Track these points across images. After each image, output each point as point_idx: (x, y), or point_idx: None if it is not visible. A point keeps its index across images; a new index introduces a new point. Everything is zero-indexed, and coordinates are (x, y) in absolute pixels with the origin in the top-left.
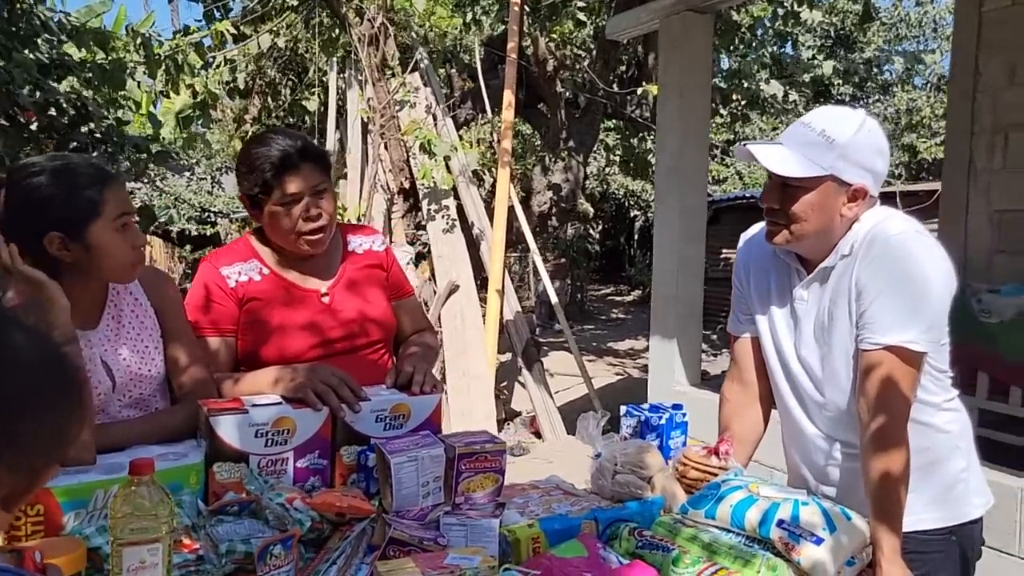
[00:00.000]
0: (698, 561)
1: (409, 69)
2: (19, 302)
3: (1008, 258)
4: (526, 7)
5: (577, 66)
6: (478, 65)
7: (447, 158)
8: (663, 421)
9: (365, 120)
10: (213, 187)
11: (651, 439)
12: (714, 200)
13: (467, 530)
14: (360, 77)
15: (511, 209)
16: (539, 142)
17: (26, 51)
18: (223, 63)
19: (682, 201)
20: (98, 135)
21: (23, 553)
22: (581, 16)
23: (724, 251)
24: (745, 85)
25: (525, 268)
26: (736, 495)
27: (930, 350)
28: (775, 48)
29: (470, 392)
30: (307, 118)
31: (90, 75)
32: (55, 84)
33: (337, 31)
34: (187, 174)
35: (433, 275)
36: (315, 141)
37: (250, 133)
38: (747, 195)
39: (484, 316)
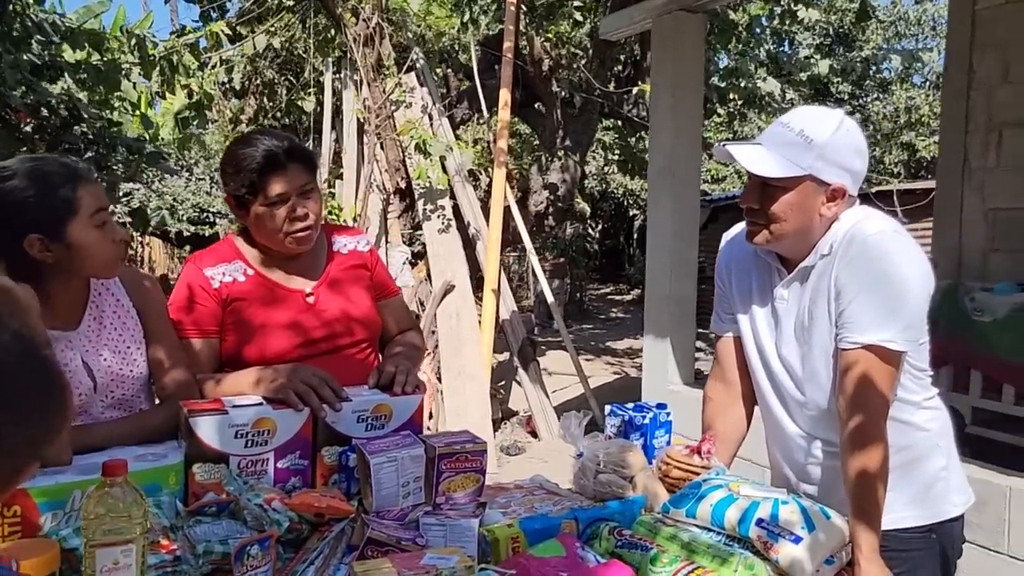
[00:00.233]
0: (676, 560)
1: (405, 69)
2: None
3: (1002, 256)
4: (523, 7)
5: (574, 65)
6: (474, 65)
7: (443, 158)
8: (647, 420)
9: (361, 120)
10: (212, 187)
11: (635, 438)
12: (712, 199)
13: (446, 530)
14: (356, 77)
15: (507, 209)
16: (537, 142)
17: (18, 53)
18: (219, 64)
19: (675, 200)
20: (90, 136)
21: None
22: (578, 16)
23: None
24: (742, 84)
25: (524, 268)
26: (716, 494)
27: (909, 349)
28: (772, 47)
29: (465, 392)
30: (303, 118)
31: (85, 76)
32: (47, 86)
33: (333, 31)
34: (186, 175)
35: (429, 275)
36: (311, 141)
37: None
38: None
39: (480, 316)
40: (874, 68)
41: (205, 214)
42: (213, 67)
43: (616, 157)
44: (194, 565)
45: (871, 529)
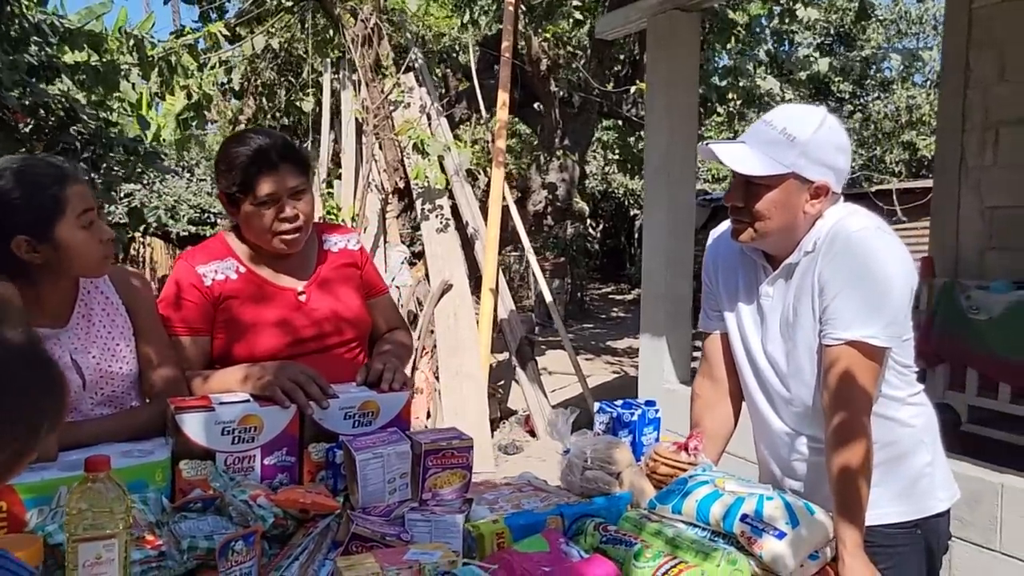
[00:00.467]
0: (659, 555)
1: (403, 69)
2: None
3: (999, 254)
4: (522, 7)
5: (572, 65)
6: (473, 65)
7: (441, 158)
8: (635, 417)
9: (359, 120)
10: (213, 188)
11: (623, 435)
12: (712, 198)
13: (431, 526)
14: (354, 77)
15: (506, 208)
16: (536, 141)
17: (16, 54)
18: (218, 64)
19: (671, 200)
20: (87, 136)
21: None
22: (578, 15)
23: None
24: (741, 84)
25: (525, 267)
26: (702, 490)
27: (892, 345)
28: (772, 46)
29: (463, 391)
30: (302, 119)
31: (84, 77)
32: (44, 86)
33: (331, 32)
34: (187, 175)
35: (427, 274)
36: (310, 141)
37: None
38: None
39: (478, 315)
40: (874, 67)
41: (206, 215)
42: (212, 68)
43: (616, 157)
44: (179, 560)
45: (855, 525)
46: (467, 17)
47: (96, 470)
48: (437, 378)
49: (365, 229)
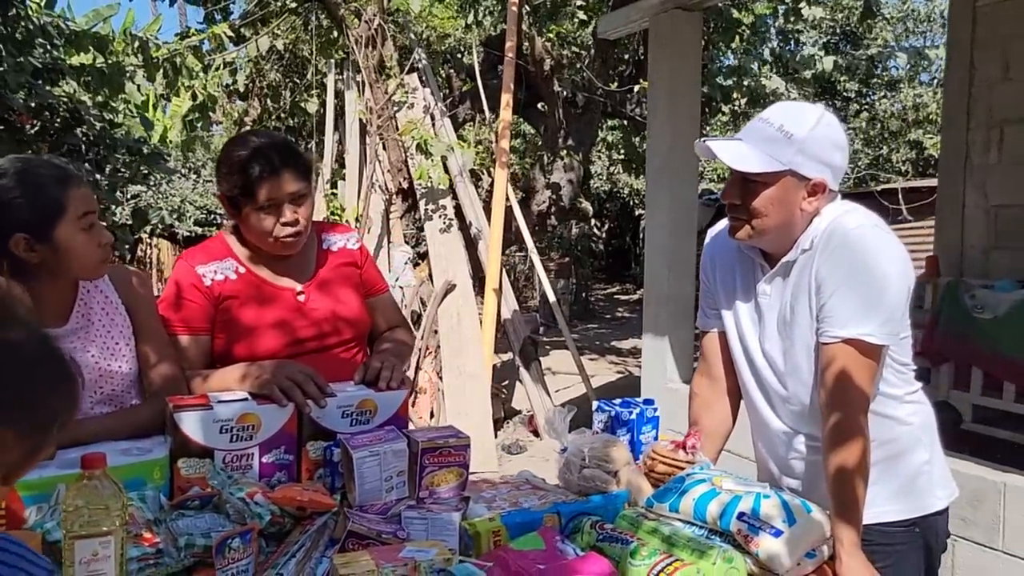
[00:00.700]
0: (655, 553)
1: (407, 70)
2: None
3: (1003, 253)
4: (526, 7)
5: (576, 65)
6: (476, 65)
7: (444, 158)
8: (633, 416)
9: (363, 121)
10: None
11: (622, 434)
12: (717, 198)
13: (428, 524)
14: (358, 78)
15: (509, 208)
16: (540, 141)
17: (21, 56)
18: (223, 66)
19: (673, 199)
20: (91, 138)
21: None
22: (582, 16)
23: None
24: (745, 83)
25: (530, 267)
26: (699, 488)
27: (889, 343)
28: (777, 45)
29: (467, 391)
30: (307, 120)
31: (89, 79)
32: (49, 88)
33: (335, 33)
34: (193, 177)
35: (431, 274)
36: (314, 142)
37: None
38: None
39: (482, 315)
40: (880, 66)
41: (212, 216)
42: (217, 69)
43: (621, 157)
44: (176, 558)
45: (852, 523)
46: (471, 18)
47: (92, 467)
48: (441, 378)
49: (369, 230)
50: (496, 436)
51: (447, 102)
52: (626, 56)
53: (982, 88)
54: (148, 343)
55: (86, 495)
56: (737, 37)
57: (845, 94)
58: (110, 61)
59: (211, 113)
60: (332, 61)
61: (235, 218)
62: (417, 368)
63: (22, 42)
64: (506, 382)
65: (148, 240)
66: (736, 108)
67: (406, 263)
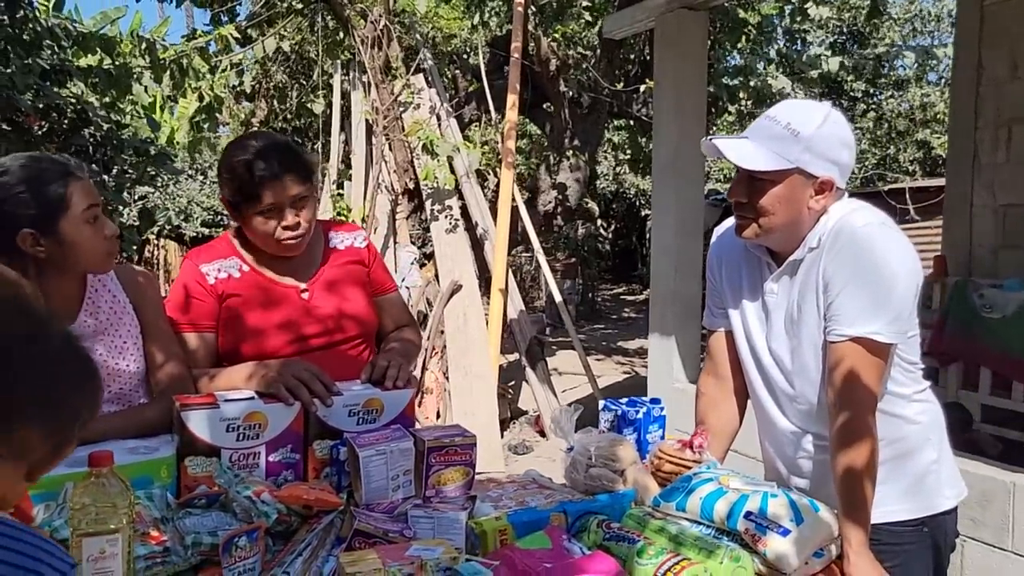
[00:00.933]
0: (662, 552)
1: (413, 70)
2: None
3: (1012, 253)
4: (532, 8)
5: (582, 65)
6: (482, 66)
7: (450, 158)
8: (640, 415)
9: (369, 122)
10: None
11: (628, 433)
12: (723, 198)
13: (434, 522)
14: (364, 79)
15: (515, 209)
16: (545, 142)
17: (29, 57)
18: (229, 67)
19: (679, 199)
20: (98, 139)
21: None
22: (587, 16)
23: None
24: (751, 83)
25: (536, 268)
26: (706, 487)
27: (897, 341)
28: (784, 45)
29: (473, 392)
30: (313, 121)
31: (96, 80)
32: (57, 89)
33: (341, 34)
34: (200, 178)
35: (437, 275)
36: (320, 143)
37: None
38: None
39: (488, 315)
40: (887, 65)
41: (219, 217)
42: (223, 71)
43: (627, 157)
44: (183, 556)
45: (860, 522)
46: (477, 18)
47: (99, 465)
48: (447, 378)
49: (375, 230)
50: (502, 436)
51: (453, 102)
52: (632, 56)
53: (990, 87)
54: (155, 342)
55: (93, 493)
56: (743, 37)
57: (852, 94)
58: (117, 63)
59: (218, 114)
60: (338, 62)
61: (238, 221)
62: (423, 368)
63: (30, 44)
64: (512, 382)
65: (155, 241)
66: (742, 108)
67: (412, 263)
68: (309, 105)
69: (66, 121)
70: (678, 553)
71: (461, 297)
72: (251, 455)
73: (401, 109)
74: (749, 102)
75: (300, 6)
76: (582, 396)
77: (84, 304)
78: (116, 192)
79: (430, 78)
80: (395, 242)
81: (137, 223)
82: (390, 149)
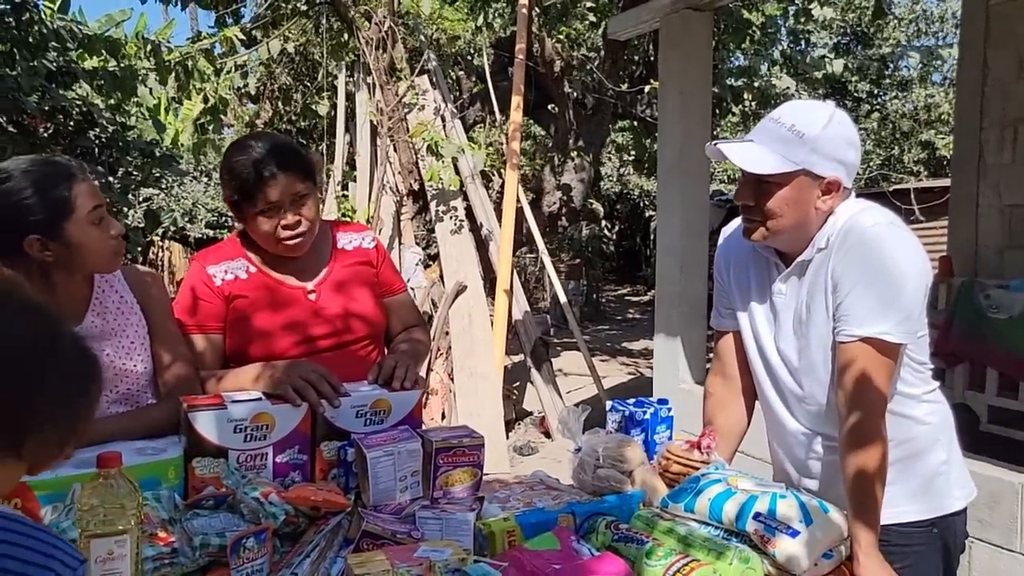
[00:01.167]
0: (671, 553)
1: (417, 72)
2: None
3: (1018, 253)
4: (536, 9)
5: (587, 66)
6: (486, 67)
7: (455, 159)
8: (647, 416)
9: (374, 123)
10: None
11: (636, 434)
12: (728, 199)
13: (442, 523)
14: (369, 80)
15: (520, 210)
16: (550, 143)
17: (34, 59)
18: (234, 69)
19: (684, 199)
20: (104, 140)
21: None
22: (592, 17)
23: None
24: (756, 84)
25: (540, 269)
26: (715, 488)
27: (907, 341)
28: (788, 46)
29: (478, 392)
30: (318, 122)
31: (101, 82)
32: (62, 91)
33: (346, 35)
34: (205, 180)
35: (442, 276)
36: (325, 144)
37: None
38: None
39: (493, 316)
40: (892, 66)
41: (224, 218)
42: (228, 72)
43: (631, 158)
44: (191, 557)
45: (870, 523)
46: (481, 20)
47: (108, 466)
48: (452, 379)
49: (380, 231)
50: (508, 437)
51: (457, 104)
52: (636, 57)
53: (995, 87)
54: (162, 343)
55: (101, 494)
56: (747, 38)
57: (856, 94)
58: (122, 65)
59: (222, 116)
60: (343, 63)
61: (240, 222)
62: (428, 369)
63: (35, 46)
64: (517, 383)
65: (160, 243)
66: (746, 109)
67: (417, 264)
68: (314, 107)
69: (71, 123)
70: (687, 554)
71: (466, 298)
72: (258, 456)
73: (406, 110)
74: (753, 103)
75: (305, 8)
76: (587, 397)
77: (91, 305)
78: (121, 194)
79: (434, 79)
80: (400, 243)
81: (142, 224)
82: (395, 150)
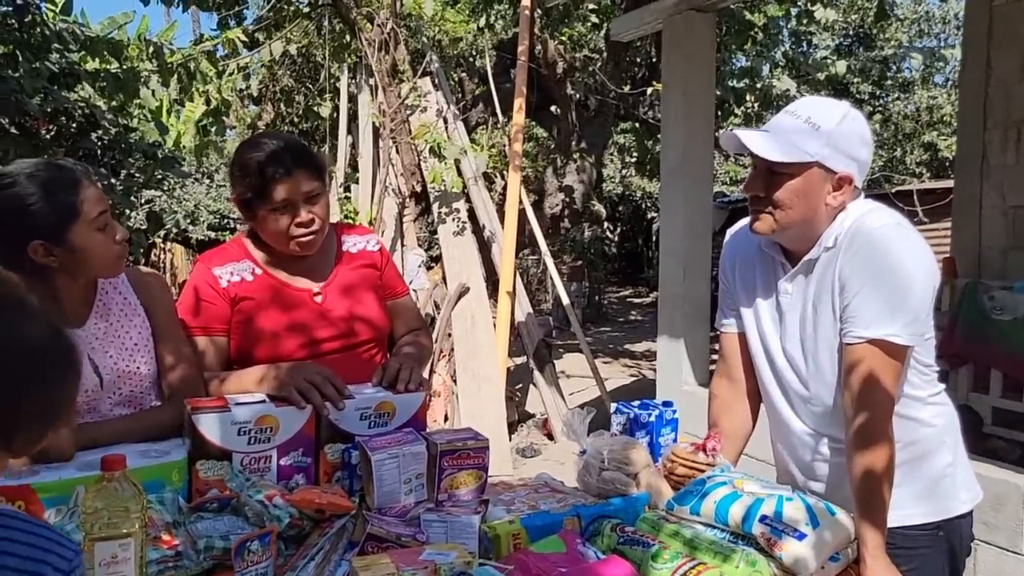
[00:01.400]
0: (677, 556)
1: (419, 73)
2: None
3: (1022, 254)
4: (538, 10)
5: (589, 68)
6: (489, 69)
7: (457, 161)
8: (652, 418)
9: (376, 124)
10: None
11: (641, 436)
12: (730, 200)
13: (447, 526)
14: (371, 82)
15: (522, 211)
16: (552, 144)
17: (37, 61)
18: (236, 71)
19: (687, 201)
20: (106, 142)
21: None
22: (594, 19)
23: None
24: (758, 85)
25: (543, 270)
26: (720, 491)
27: (914, 343)
28: (790, 47)
29: (481, 394)
30: (320, 124)
31: (104, 84)
32: (65, 93)
33: (348, 37)
34: (207, 181)
35: (445, 278)
36: (328, 146)
37: None
38: None
39: (495, 318)
40: (894, 67)
41: (226, 220)
42: (231, 74)
43: (633, 159)
44: (195, 560)
45: (877, 526)
46: (483, 21)
47: (111, 469)
48: (455, 381)
49: (382, 233)
50: (510, 440)
51: (460, 105)
52: (639, 59)
53: (999, 88)
54: (166, 345)
55: (105, 497)
56: (749, 39)
57: (858, 96)
58: (125, 67)
59: (225, 118)
60: (345, 65)
61: (250, 221)
62: (431, 371)
63: (38, 48)
64: (520, 385)
65: (162, 245)
66: (749, 111)
67: (419, 266)
68: (316, 108)
69: (74, 125)
70: (693, 557)
71: (468, 300)
72: (263, 459)
73: (408, 112)
74: (756, 104)
75: (307, 9)
76: (590, 399)
77: (94, 307)
78: (124, 195)
79: (437, 81)
80: (402, 245)
81: (144, 226)
82: (397, 152)
